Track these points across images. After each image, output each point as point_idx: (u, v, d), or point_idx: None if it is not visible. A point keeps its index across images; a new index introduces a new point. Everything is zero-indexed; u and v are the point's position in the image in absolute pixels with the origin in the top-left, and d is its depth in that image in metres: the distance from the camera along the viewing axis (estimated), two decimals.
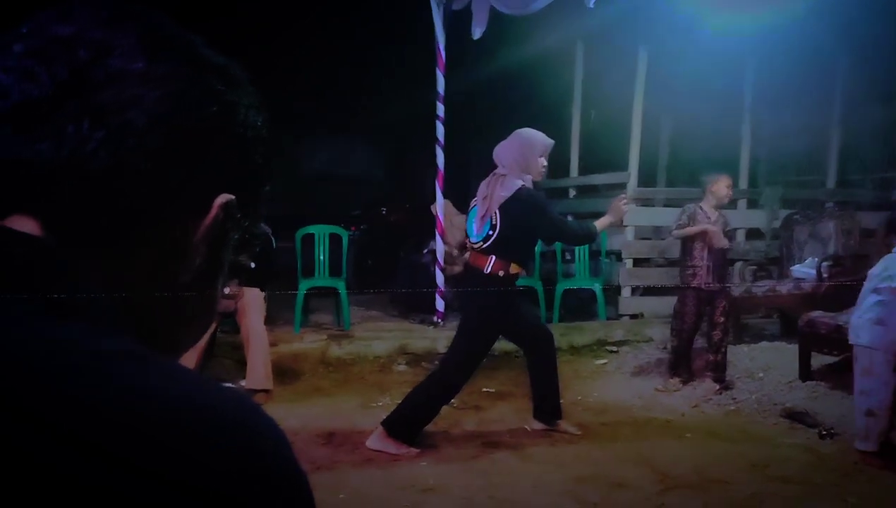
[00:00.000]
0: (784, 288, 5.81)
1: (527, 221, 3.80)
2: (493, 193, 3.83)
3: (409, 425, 3.85)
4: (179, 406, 0.42)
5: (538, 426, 4.19)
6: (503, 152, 3.93)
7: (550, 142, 3.95)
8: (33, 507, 0.37)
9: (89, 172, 0.49)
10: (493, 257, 3.78)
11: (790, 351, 5.18)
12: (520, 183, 3.78)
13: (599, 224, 3.99)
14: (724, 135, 7.10)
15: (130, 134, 0.50)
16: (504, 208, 3.76)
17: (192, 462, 0.40)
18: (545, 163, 3.91)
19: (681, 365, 5.10)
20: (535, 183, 3.93)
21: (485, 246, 3.81)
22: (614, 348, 6.04)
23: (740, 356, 5.44)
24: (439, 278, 6.54)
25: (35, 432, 0.38)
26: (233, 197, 0.56)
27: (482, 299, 3.78)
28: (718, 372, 4.98)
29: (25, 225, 0.49)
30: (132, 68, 0.51)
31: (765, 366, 5.23)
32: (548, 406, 4.18)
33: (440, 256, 6.59)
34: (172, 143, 0.51)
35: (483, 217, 3.84)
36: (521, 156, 3.86)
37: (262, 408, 0.46)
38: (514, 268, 3.82)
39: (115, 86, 0.50)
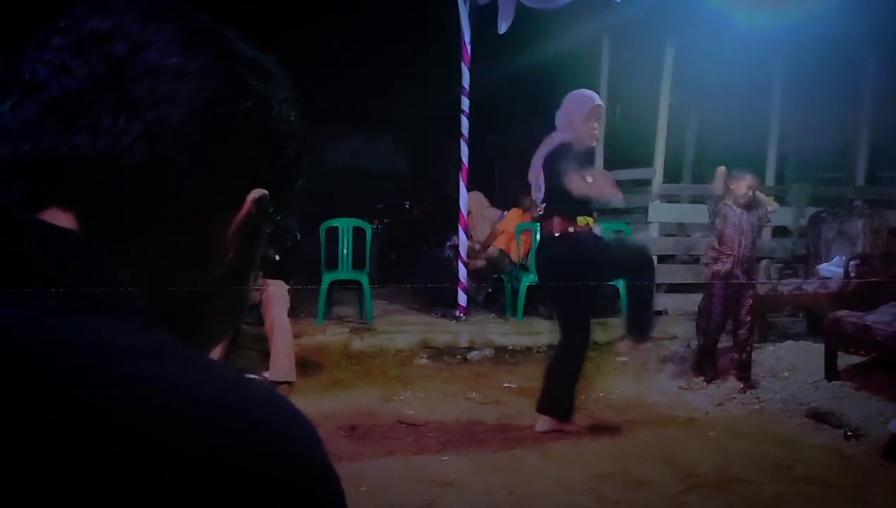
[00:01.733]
0: (810, 286, 5.74)
1: (566, 173, 3.71)
2: (538, 152, 3.84)
3: (562, 400, 3.90)
4: (211, 403, 0.42)
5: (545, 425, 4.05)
6: (557, 113, 3.90)
7: (598, 102, 3.81)
8: (64, 505, 0.37)
9: (125, 166, 0.49)
10: (555, 217, 3.76)
11: (816, 350, 5.12)
12: (561, 139, 3.73)
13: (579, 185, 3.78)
14: (751, 132, 7.02)
15: (166, 128, 0.50)
16: (545, 165, 3.76)
17: (225, 459, 0.40)
18: (596, 126, 3.81)
19: (706, 363, 5.06)
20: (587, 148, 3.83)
21: (545, 207, 3.83)
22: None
23: (765, 355, 5.39)
24: (462, 272, 6.54)
25: (61, 429, 0.38)
26: (266, 192, 0.56)
27: (554, 259, 3.80)
28: (743, 371, 4.94)
29: (61, 218, 0.50)
30: (168, 62, 0.51)
31: (790, 366, 5.17)
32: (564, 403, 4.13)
33: (462, 250, 6.59)
34: (207, 138, 0.52)
35: (536, 179, 3.84)
36: (567, 116, 3.79)
37: (292, 404, 0.46)
38: (581, 221, 3.77)
39: (151, 80, 0.50)
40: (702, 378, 5.02)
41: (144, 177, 0.50)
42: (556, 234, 3.76)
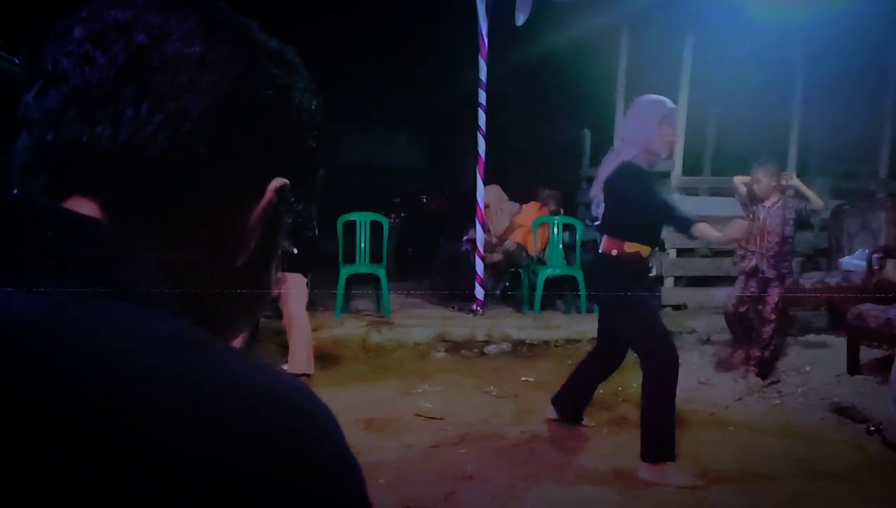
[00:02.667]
0: (833, 280, 5.67)
1: (627, 198, 3.49)
2: (603, 169, 3.59)
3: (662, 444, 3.46)
4: (236, 391, 0.42)
5: (552, 414, 4.11)
6: (623, 125, 3.74)
7: (670, 106, 3.50)
8: (81, 489, 0.37)
9: (147, 156, 0.50)
10: (605, 235, 3.61)
11: (838, 344, 5.06)
12: (626, 157, 3.45)
13: (702, 230, 3.45)
14: (772, 124, 6.94)
15: (187, 118, 0.50)
16: (607, 184, 3.53)
17: (249, 448, 0.40)
18: (670, 133, 3.51)
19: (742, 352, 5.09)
20: (657, 157, 3.56)
21: (598, 223, 3.71)
22: None
23: (787, 349, 5.34)
24: (479, 266, 6.53)
25: (89, 416, 0.38)
26: (287, 181, 0.56)
27: (601, 278, 3.67)
28: (765, 368, 4.90)
29: (84, 207, 0.50)
30: (189, 53, 0.51)
31: (812, 360, 5.11)
32: (576, 407, 4.09)
33: (480, 244, 6.58)
34: (228, 127, 0.52)
35: (596, 194, 3.66)
36: (636, 125, 3.48)
37: (315, 394, 0.46)
38: (629, 247, 3.52)
39: (171, 70, 0.50)
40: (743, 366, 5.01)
41: (166, 166, 0.50)
42: (614, 254, 3.55)
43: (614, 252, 3.54)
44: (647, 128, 3.41)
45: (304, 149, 0.59)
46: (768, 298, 4.86)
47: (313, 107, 0.59)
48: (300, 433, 0.43)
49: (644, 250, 3.56)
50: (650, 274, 3.79)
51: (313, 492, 0.41)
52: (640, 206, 3.49)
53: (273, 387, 0.44)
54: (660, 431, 3.42)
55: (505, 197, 7.79)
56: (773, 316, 4.87)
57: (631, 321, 3.57)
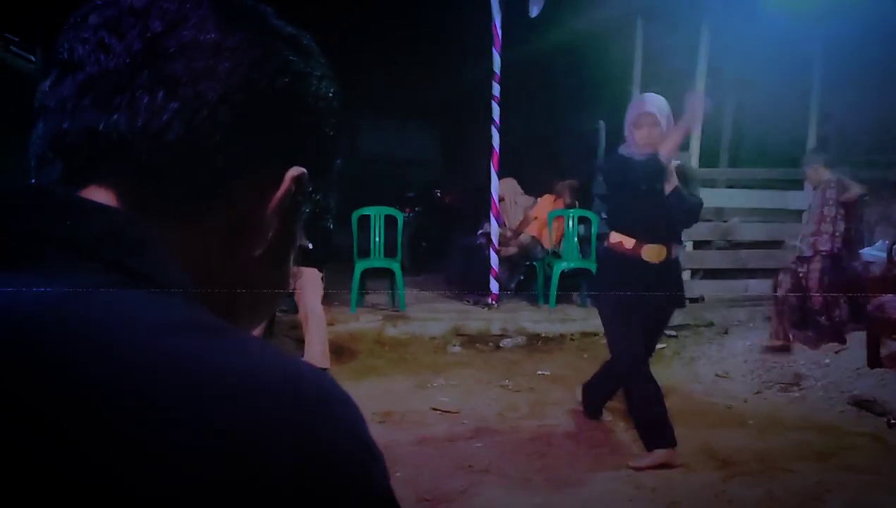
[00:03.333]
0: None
1: (607, 185, 3.66)
2: None
3: (656, 429, 3.48)
4: (257, 379, 0.41)
5: (575, 404, 4.17)
6: None
7: (646, 110, 3.44)
8: (96, 473, 0.36)
9: (163, 144, 0.49)
10: (611, 231, 3.62)
11: (858, 336, 5.01)
12: (621, 149, 3.59)
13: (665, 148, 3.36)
14: (790, 113, 6.87)
15: (203, 105, 0.50)
16: (599, 172, 3.76)
17: (270, 436, 0.40)
18: (644, 135, 3.41)
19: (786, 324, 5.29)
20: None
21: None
22: (673, 332, 5.93)
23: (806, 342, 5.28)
24: (493, 259, 6.51)
25: (106, 400, 0.38)
26: (304, 170, 0.55)
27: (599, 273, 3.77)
28: (826, 337, 5.18)
29: (101, 195, 0.50)
30: (204, 39, 0.51)
31: (831, 353, 5.07)
32: (597, 402, 4.09)
33: (494, 237, 6.56)
34: (245, 115, 0.51)
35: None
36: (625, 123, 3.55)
37: (336, 382, 0.45)
38: (612, 237, 3.57)
39: (187, 57, 0.50)
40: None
41: (182, 154, 0.50)
42: (604, 244, 3.62)
43: (605, 242, 3.66)
44: (627, 125, 3.52)
45: (322, 138, 0.58)
46: (809, 274, 5.14)
47: (331, 94, 0.58)
48: (324, 421, 0.42)
49: (627, 241, 3.50)
50: (652, 272, 3.50)
51: (337, 481, 0.41)
52: (611, 194, 3.71)
53: (295, 376, 0.43)
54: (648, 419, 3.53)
55: (520, 190, 7.77)
56: (816, 290, 5.12)
57: (602, 319, 3.68)
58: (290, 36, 0.56)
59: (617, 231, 3.56)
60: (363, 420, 0.45)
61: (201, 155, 0.50)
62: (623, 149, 3.55)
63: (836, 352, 4.90)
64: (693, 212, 3.48)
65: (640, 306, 3.45)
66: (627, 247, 3.51)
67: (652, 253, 3.49)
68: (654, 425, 3.47)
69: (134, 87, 0.49)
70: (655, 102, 3.48)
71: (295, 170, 0.55)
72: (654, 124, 3.41)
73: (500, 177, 6.63)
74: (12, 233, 0.45)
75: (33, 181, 0.53)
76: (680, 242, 3.68)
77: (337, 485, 0.41)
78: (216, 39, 0.51)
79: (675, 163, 3.46)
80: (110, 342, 0.40)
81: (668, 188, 3.38)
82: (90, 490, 0.36)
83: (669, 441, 3.42)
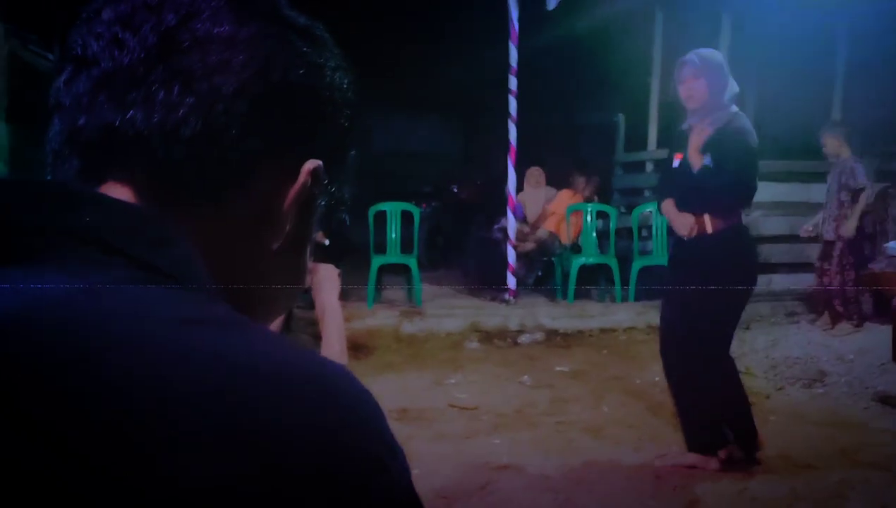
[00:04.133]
0: (877, 265, 5.51)
1: None
2: None
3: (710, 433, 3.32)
4: (278, 374, 0.41)
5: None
6: None
7: (679, 63, 3.23)
8: (117, 465, 0.36)
9: (180, 139, 0.49)
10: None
11: (882, 332, 4.93)
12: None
13: (665, 208, 3.34)
14: (812, 104, 6.76)
15: (219, 99, 0.50)
16: None
17: (292, 431, 0.39)
18: (683, 89, 3.20)
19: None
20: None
21: None
22: None
23: (829, 337, 5.22)
24: (511, 254, 6.48)
25: (128, 396, 0.38)
26: (321, 162, 0.55)
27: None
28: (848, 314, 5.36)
29: (118, 191, 0.50)
30: (218, 32, 0.51)
31: (855, 348, 5.00)
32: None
33: (511, 232, 6.53)
34: (260, 108, 0.52)
35: None
36: None
37: (356, 377, 0.45)
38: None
39: (201, 50, 0.50)
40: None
41: (199, 149, 0.50)
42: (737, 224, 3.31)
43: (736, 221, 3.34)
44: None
45: (338, 129, 0.58)
46: (832, 259, 5.31)
47: (345, 85, 0.58)
48: (343, 416, 0.42)
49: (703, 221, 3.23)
50: (678, 251, 3.38)
51: (357, 478, 0.40)
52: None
53: (315, 371, 0.43)
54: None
55: (543, 180, 7.72)
56: (838, 273, 5.26)
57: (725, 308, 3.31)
58: (304, 27, 0.56)
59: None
60: (383, 415, 0.44)
61: (218, 149, 0.50)
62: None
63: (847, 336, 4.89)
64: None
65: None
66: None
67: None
68: (709, 427, 3.27)
69: (149, 83, 0.49)
70: (698, 52, 3.20)
71: (311, 163, 0.54)
72: (695, 76, 3.14)
73: (517, 169, 6.58)
74: (34, 229, 0.45)
75: (50, 177, 0.53)
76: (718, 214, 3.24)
77: (357, 482, 0.40)
78: (230, 32, 0.51)
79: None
80: (133, 337, 0.40)
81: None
82: (112, 482, 0.36)
83: (712, 448, 3.27)
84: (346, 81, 0.58)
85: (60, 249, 0.44)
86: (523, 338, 5.75)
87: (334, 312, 4.74)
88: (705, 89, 3.13)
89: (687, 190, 3.24)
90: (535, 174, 7.73)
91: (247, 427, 0.38)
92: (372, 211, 6.43)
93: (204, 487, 0.36)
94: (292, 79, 0.53)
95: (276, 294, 0.58)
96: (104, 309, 0.41)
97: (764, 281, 6.26)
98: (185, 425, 0.37)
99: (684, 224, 3.21)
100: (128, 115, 0.49)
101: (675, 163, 3.30)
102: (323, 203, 0.58)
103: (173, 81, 0.49)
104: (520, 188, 7.49)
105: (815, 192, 6.48)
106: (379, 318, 5.84)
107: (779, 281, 6.28)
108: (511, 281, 6.46)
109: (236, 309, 0.46)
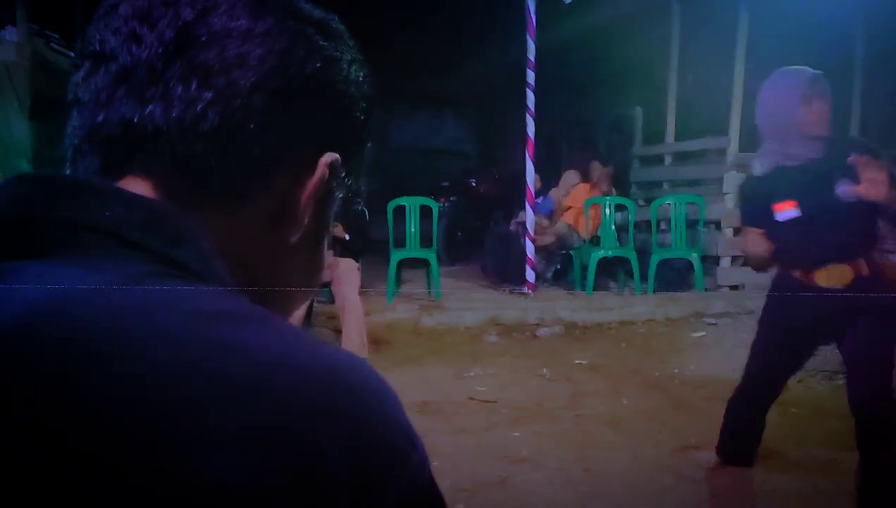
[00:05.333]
0: None
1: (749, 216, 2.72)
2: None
3: None
4: (299, 367, 0.42)
5: None
6: (758, 114, 2.73)
7: (806, 78, 2.57)
8: (131, 457, 0.37)
9: (199, 134, 0.49)
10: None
11: None
12: (764, 153, 2.66)
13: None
14: (832, 97, 6.69)
15: (236, 94, 0.50)
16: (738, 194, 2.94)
17: (314, 424, 0.40)
18: (817, 110, 2.53)
19: None
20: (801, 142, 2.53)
21: None
22: (713, 320, 5.85)
23: None
24: (529, 248, 6.48)
25: (148, 390, 0.38)
26: (338, 155, 0.55)
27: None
28: None
29: (139, 186, 0.50)
30: (235, 26, 0.51)
31: None
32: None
33: (529, 226, 6.53)
34: (278, 102, 0.52)
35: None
36: (773, 110, 2.61)
37: (375, 371, 0.45)
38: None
39: (219, 45, 0.50)
40: None
41: (218, 143, 0.50)
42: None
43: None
44: (786, 107, 2.60)
45: (354, 122, 0.58)
46: None
47: (361, 78, 0.58)
48: (365, 410, 0.42)
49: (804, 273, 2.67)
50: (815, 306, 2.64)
51: (378, 469, 0.41)
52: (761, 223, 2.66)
53: (335, 364, 0.43)
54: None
55: (577, 181, 7.57)
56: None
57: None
58: (319, 20, 0.56)
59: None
60: (402, 407, 0.45)
61: (236, 144, 0.50)
62: (771, 150, 2.63)
63: None
64: None
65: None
66: (795, 277, 2.70)
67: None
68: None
69: (167, 78, 0.49)
70: (821, 75, 2.64)
71: (328, 157, 0.55)
72: (827, 98, 2.58)
73: (535, 165, 6.57)
74: (56, 223, 0.45)
75: (70, 173, 0.53)
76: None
77: (380, 474, 0.41)
78: (247, 26, 0.51)
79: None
80: (156, 331, 0.40)
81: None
82: (138, 474, 0.36)
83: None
84: (362, 74, 0.58)
85: (81, 244, 0.45)
86: (542, 331, 5.76)
87: (354, 306, 4.77)
88: (828, 115, 2.56)
89: (825, 237, 2.58)
90: (569, 178, 7.61)
91: (271, 423, 0.39)
92: (391, 206, 6.46)
93: (230, 482, 0.37)
94: (309, 72, 0.53)
95: (294, 287, 0.59)
96: (127, 304, 0.42)
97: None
98: (212, 420, 0.38)
99: (843, 276, 2.61)
100: (146, 111, 0.49)
101: (786, 214, 2.61)
102: (340, 196, 0.58)
103: (191, 76, 0.49)
104: (546, 185, 7.48)
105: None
106: (398, 312, 5.87)
107: None
108: (530, 275, 6.47)
109: (256, 303, 0.46)
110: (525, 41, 6.30)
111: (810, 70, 2.65)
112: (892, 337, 2.66)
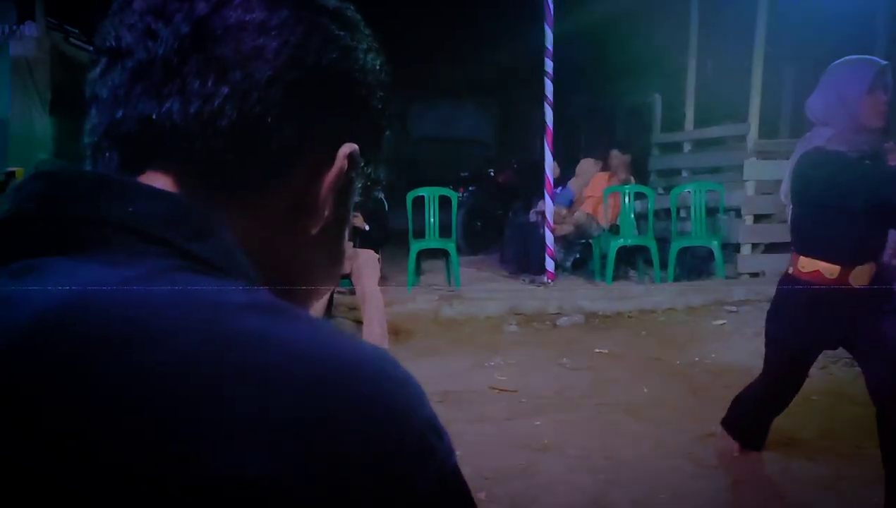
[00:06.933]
0: None
1: (813, 193, 2.58)
2: (791, 159, 2.72)
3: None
4: (323, 359, 0.42)
5: None
6: (812, 100, 2.72)
7: (876, 68, 2.56)
8: (168, 447, 0.37)
9: (217, 128, 0.49)
10: (798, 255, 2.71)
11: None
12: (821, 138, 2.57)
13: None
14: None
15: (254, 87, 0.50)
16: (793, 178, 2.67)
17: (337, 415, 0.40)
18: (879, 102, 2.52)
19: None
20: (865, 136, 2.52)
21: (792, 237, 2.77)
22: (734, 308, 5.83)
23: None
24: (548, 238, 6.48)
25: (175, 383, 0.39)
26: (356, 146, 0.55)
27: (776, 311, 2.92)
28: None
29: (160, 181, 0.50)
30: (250, 19, 0.51)
31: None
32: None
33: (549, 216, 6.52)
34: (295, 94, 0.51)
35: (784, 195, 2.77)
36: (835, 96, 2.60)
37: (398, 361, 0.46)
38: (804, 265, 2.67)
39: (234, 38, 0.50)
40: None
41: (237, 137, 0.50)
42: (788, 272, 2.77)
43: (789, 270, 2.76)
44: (850, 98, 2.57)
45: (372, 112, 0.58)
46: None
47: (378, 67, 0.58)
48: (390, 402, 0.42)
49: (829, 270, 2.61)
50: (849, 306, 2.65)
51: (404, 460, 0.41)
52: (826, 202, 2.54)
53: (358, 356, 0.44)
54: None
55: (596, 169, 7.56)
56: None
57: (768, 346, 3.02)
58: (334, 9, 0.55)
59: (812, 255, 2.66)
60: (426, 398, 0.45)
61: (255, 137, 0.50)
62: (831, 140, 2.56)
63: None
64: None
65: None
66: (829, 277, 2.63)
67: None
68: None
69: (184, 73, 0.49)
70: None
71: (347, 148, 0.55)
72: (889, 90, 2.55)
73: (553, 154, 6.56)
74: (79, 219, 0.46)
75: (91, 169, 0.53)
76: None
77: (404, 464, 0.41)
78: (262, 18, 0.51)
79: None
80: (179, 323, 0.41)
81: None
82: (165, 465, 0.37)
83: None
84: (378, 63, 0.58)
85: (103, 240, 0.45)
86: (562, 321, 5.76)
87: (375, 297, 4.79)
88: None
89: (871, 234, 2.60)
90: (587, 166, 7.59)
91: (296, 413, 0.39)
92: (410, 196, 6.48)
93: (254, 471, 0.37)
94: (325, 63, 0.53)
95: (315, 278, 0.58)
96: (150, 300, 0.42)
97: None
98: (236, 410, 0.38)
99: (865, 276, 2.62)
100: (164, 107, 0.49)
101: (838, 203, 2.57)
102: (359, 186, 0.58)
103: (208, 71, 0.49)
104: (565, 174, 7.46)
105: None
106: (419, 302, 5.89)
107: None
108: (549, 264, 6.47)
109: (277, 295, 0.46)
110: (543, 29, 6.28)
111: (879, 60, 2.63)
112: None
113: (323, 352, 0.43)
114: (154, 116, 0.49)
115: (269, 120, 0.50)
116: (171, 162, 0.51)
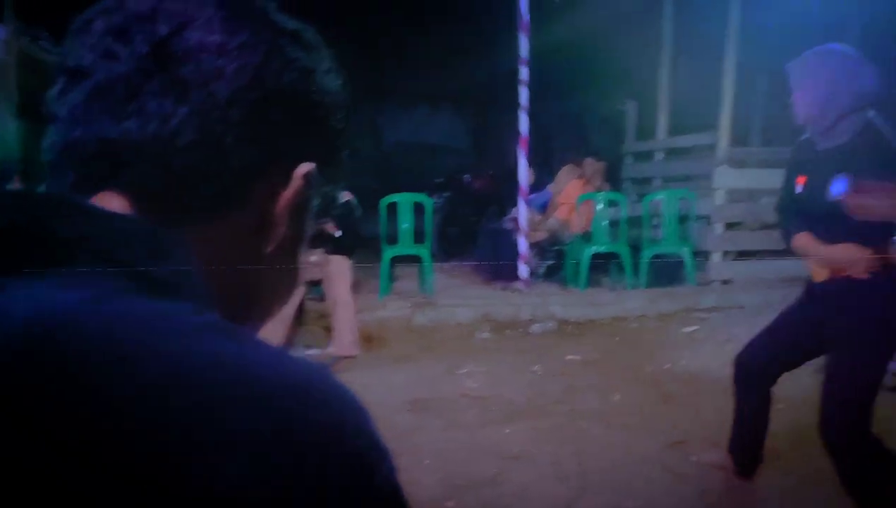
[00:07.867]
0: None
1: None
2: None
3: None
4: (270, 379, 0.42)
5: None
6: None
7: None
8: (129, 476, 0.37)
9: (175, 148, 0.50)
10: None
11: None
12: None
13: (800, 242, 2.63)
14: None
15: (213, 108, 0.50)
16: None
17: (282, 435, 0.40)
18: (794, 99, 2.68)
19: None
20: None
21: None
22: (704, 315, 5.87)
23: None
24: (522, 244, 6.49)
25: (125, 404, 0.38)
26: (314, 165, 0.56)
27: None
28: None
29: (116, 201, 0.51)
30: (210, 41, 0.51)
31: None
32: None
33: (523, 222, 6.53)
34: (254, 115, 0.52)
35: None
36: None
37: (339, 380, 0.45)
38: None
39: (194, 59, 0.50)
40: None
41: (194, 157, 0.50)
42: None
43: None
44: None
45: (330, 132, 0.59)
46: None
47: (336, 88, 0.59)
48: (333, 420, 0.42)
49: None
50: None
51: (344, 479, 0.41)
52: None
53: (305, 376, 0.44)
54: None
55: (574, 176, 7.58)
56: None
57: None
58: (294, 31, 0.56)
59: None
60: (368, 416, 0.45)
61: (213, 158, 0.51)
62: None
63: None
64: None
65: None
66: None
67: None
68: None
69: (143, 94, 0.49)
70: (804, 57, 2.68)
71: (304, 167, 0.56)
72: (797, 87, 2.61)
73: (529, 161, 6.57)
74: (32, 240, 0.45)
75: (47, 188, 0.53)
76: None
77: (344, 483, 0.41)
78: (222, 40, 0.51)
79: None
80: (133, 346, 0.41)
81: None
82: (131, 483, 0.37)
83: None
84: (337, 84, 0.59)
85: (57, 261, 0.45)
86: (535, 328, 5.77)
87: (346, 304, 4.76)
88: (812, 102, 2.57)
89: (821, 220, 2.52)
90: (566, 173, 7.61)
91: (246, 433, 0.39)
92: (384, 202, 6.45)
93: (217, 487, 0.38)
94: (285, 84, 0.53)
95: (271, 295, 0.59)
96: (90, 321, 0.41)
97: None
98: (195, 430, 0.38)
99: (847, 256, 2.46)
100: (123, 127, 0.49)
101: (799, 188, 2.63)
102: (316, 204, 0.59)
103: (167, 92, 0.49)
104: (539, 179, 7.47)
105: None
106: (391, 309, 5.87)
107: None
108: (523, 271, 6.48)
109: (234, 311, 0.47)
110: (518, 38, 6.30)
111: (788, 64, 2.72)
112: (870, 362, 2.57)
113: (269, 374, 0.42)
114: (112, 136, 0.50)
115: (228, 140, 0.51)
116: (129, 181, 0.51)
